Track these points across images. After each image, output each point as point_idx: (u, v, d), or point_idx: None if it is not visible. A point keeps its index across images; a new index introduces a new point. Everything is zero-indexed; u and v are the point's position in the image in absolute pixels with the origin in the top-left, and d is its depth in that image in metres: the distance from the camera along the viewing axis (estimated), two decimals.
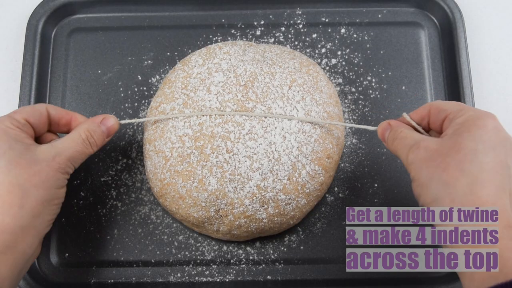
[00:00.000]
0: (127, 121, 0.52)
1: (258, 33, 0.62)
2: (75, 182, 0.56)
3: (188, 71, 0.53)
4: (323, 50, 0.61)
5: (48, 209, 0.43)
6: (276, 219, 0.50)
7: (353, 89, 0.60)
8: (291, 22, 0.62)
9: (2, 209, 0.40)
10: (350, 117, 0.58)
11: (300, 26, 0.62)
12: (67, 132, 0.49)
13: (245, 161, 0.48)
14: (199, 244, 0.55)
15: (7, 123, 0.44)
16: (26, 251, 0.42)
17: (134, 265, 0.54)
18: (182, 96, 0.51)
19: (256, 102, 0.50)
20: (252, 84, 0.50)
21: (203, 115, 0.49)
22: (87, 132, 0.47)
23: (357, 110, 0.59)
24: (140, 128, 0.58)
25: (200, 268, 0.54)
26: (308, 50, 0.61)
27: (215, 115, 0.49)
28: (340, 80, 0.60)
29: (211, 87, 0.50)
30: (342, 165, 0.57)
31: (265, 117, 0.49)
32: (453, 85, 0.59)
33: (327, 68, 0.60)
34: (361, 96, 0.59)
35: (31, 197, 0.41)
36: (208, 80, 0.51)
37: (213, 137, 0.49)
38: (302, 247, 0.55)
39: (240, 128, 0.49)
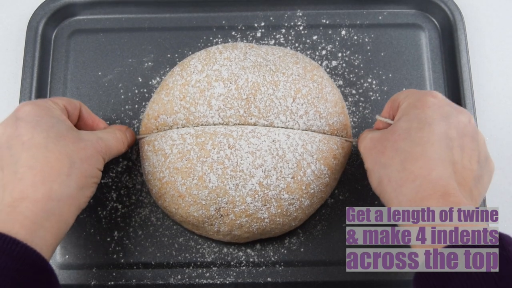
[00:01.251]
0: (141, 136, 0.53)
1: (258, 35, 0.62)
2: None
3: (186, 77, 0.52)
4: (324, 52, 0.61)
5: (89, 185, 0.44)
6: (278, 219, 0.50)
7: (354, 91, 0.59)
8: (292, 24, 0.62)
9: (51, 176, 0.40)
10: (351, 119, 0.58)
11: (301, 28, 0.62)
12: None
13: (248, 157, 0.48)
14: (199, 246, 0.55)
15: (50, 103, 0.46)
16: (68, 221, 0.41)
17: (134, 267, 0.54)
18: (182, 110, 0.50)
19: (258, 118, 0.49)
20: (254, 98, 0.50)
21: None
22: (120, 132, 0.50)
23: (357, 112, 0.59)
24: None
25: (200, 270, 0.54)
26: (308, 52, 0.61)
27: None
28: (341, 82, 0.60)
29: (212, 101, 0.50)
30: None
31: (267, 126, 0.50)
32: (454, 87, 0.59)
33: (328, 70, 0.60)
34: (361, 98, 0.59)
35: (77, 168, 0.42)
36: (208, 91, 0.50)
37: (215, 134, 0.48)
38: (302, 249, 0.54)
39: (243, 128, 0.49)
